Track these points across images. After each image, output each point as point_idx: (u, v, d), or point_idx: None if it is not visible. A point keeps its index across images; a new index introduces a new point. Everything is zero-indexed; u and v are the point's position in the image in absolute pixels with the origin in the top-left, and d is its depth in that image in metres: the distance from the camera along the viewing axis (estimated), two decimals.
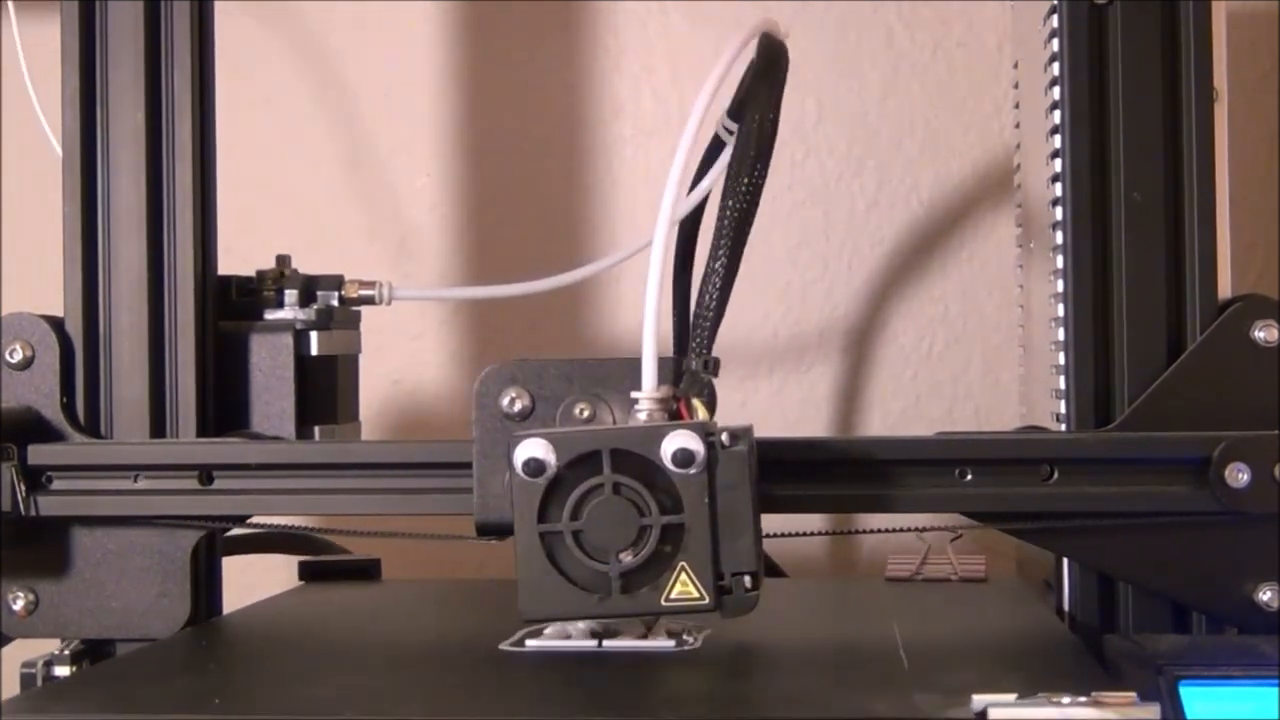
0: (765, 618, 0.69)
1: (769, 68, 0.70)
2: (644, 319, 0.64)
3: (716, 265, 0.67)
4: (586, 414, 0.68)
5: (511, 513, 0.63)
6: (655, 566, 0.62)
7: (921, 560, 0.88)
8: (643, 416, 0.64)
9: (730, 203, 0.67)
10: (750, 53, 0.71)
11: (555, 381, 0.69)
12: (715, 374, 0.66)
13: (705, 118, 0.67)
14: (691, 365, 0.66)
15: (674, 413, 0.65)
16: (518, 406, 0.69)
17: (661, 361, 0.65)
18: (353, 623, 0.80)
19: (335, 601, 0.84)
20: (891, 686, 0.60)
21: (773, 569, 0.95)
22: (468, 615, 0.83)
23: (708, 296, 0.66)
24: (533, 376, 0.69)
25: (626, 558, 0.62)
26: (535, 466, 0.62)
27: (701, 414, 0.65)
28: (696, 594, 0.62)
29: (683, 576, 0.62)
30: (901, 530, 0.74)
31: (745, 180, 0.67)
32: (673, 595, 0.62)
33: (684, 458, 0.62)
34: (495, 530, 0.68)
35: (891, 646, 0.67)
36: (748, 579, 0.62)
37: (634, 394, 0.65)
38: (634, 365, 0.65)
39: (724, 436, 0.62)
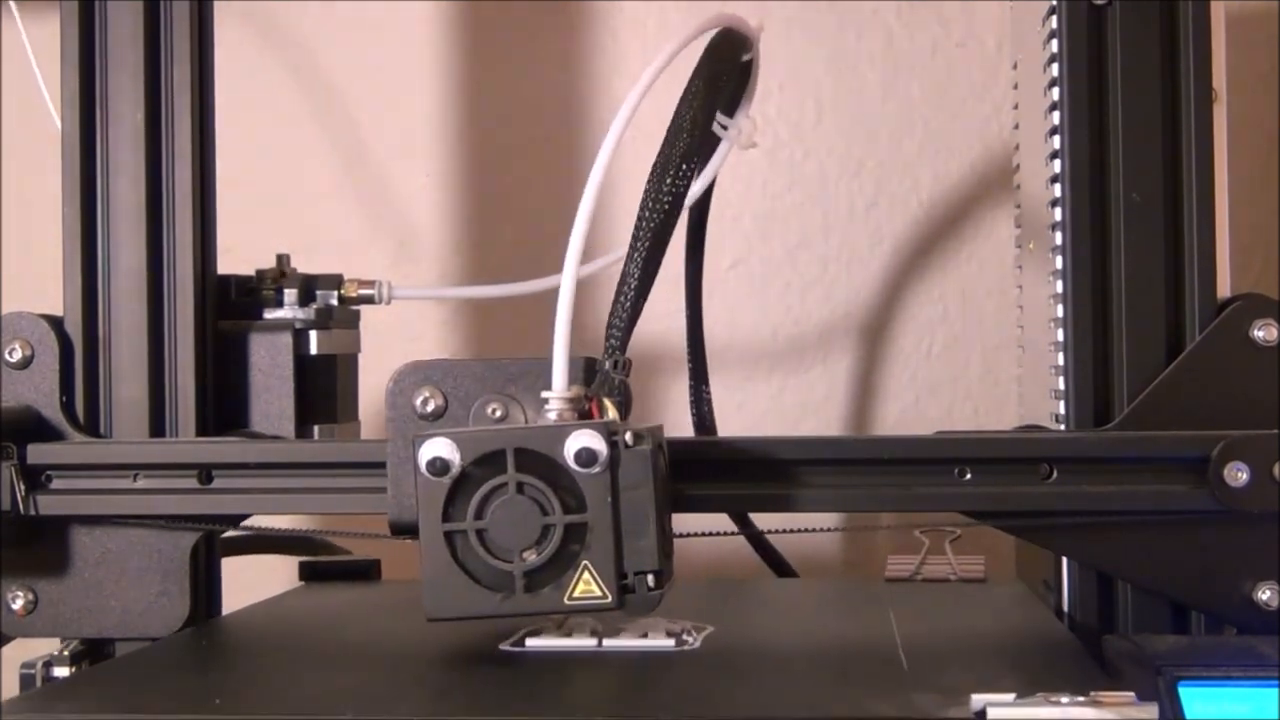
0: (766, 617, 0.69)
1: (713, 66, 0.69)
2: (557, 318, 0.64)
3: (631, 268, 0.66)
4: (499, 414, 0.68)
5: None
6: (559, 565, 0.63)
7: (920, 560, 0.88)
8: (553, 416, 0.64)
9: (650, 204, 0.66)
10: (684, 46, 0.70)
11: (468, 381, 0.69)
12: (627, 374, 0.65)
13: (634, 115, 0.66)
14: (604, 365, 0.65)
15: (585, 413, 0.64)
16: (430, 406, 0.69)
17: (574, 362, 0.65)
18: (353, 623, 0.80)
19: (335, 602, 0.84)
20: (891, 686, 0.61)
21: (784, 568, 0.95)
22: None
23: (623, 298, 0.66)
24: (445, 376, 0.69)
25: (530, 556, 0.63)
26: (440, 466, 0.63)
27: (611, 413, 0.64)
28: (599, 593, 0.62)
29: (585, 575, 0.62)
30: (902, 527, 0.74)
31: (668, 181, 0.66)
32: (576, 594, 0.63)
33: (587, 457, 0.62)
34: (408, 530, 0.68)
35: (891, 647, 0.68)
36: (650, 578, 0.62)
37: (544, 394, 0.65)
38: (546, 365, 0.65)
39: (628, 436, 0.62)
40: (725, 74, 0.70)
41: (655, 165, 0.66)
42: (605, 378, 0.65)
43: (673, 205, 0.66)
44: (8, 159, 1.11)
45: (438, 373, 0.69)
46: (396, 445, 0.69)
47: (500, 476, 0.63)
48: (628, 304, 0.66)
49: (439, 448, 0.63)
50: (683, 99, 0.68)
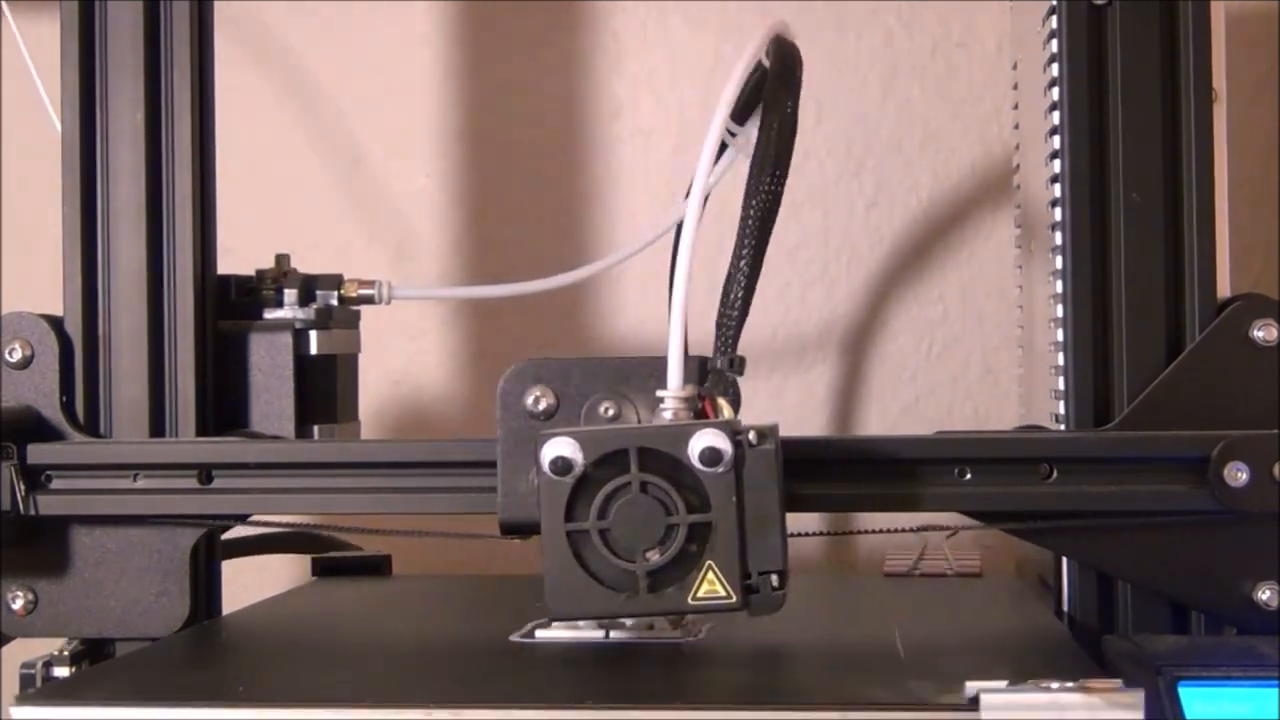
0: None
1: (785, 70, 0.70)
2: (671, 316, 0.65)
3: (741, 265, 0.67)
4: (611, 413, 0.68)
5: (536, 512, 0.63)
6: (682, 565, 0.63)
7: (918, 555, 0.89)
8: (668, 415, 0.65)
9: (753, 203, 0.67)
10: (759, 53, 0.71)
11: (580, 380, 0.68)
12: (740, 373, 0.66)
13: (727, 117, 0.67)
14: (716, 364, 0.66)
15: (699, 411, 0.65)
16: (542, 405, 0.68)
17: (686, 360, 0.65)
18: (364, 617, 0.80)
19: (347, 597, 0.85)
20: (889, 675, 0.61)
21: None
22: (477, 609, 0.84)
23: (733, 296, 0.67)
24: (557, 375, 0.68)
25: (653, 556, 0.62)
26: (562, 465, 0.62)
27: (727, 413, 0.65)
28: (724, 593, 0.62)
29: (710, 575, 0.62)
30: (900, 530, 0.74)
31: (767, 181, 0.67)
32: (700, 594, 0.63)
33: (711, 456, 0.62)
34: (520, 529, 0.68)
35: (889, 639, 0.68)
36: (774, 578, 0.63)
37: (659, 393, 0.65)
38: (659, 364, 0.65)
39: (751, 435, 0.62)
40: (795, 78, 0.71)
41: (752, 167, 0.68)
42: (719, 376, 0.66)
43: (772, 204, 0.68)
44: (8, 159, 1.11)
45: (548, 371, 0.69)
46: (507, 444, 0.68)
47: (624, 476, 0.62)
48: (738, 301, 0.67)
49: (562, 447, 0.62)
50: (767, 103, 0.69)
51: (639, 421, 0.67)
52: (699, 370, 0.66)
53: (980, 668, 0.60)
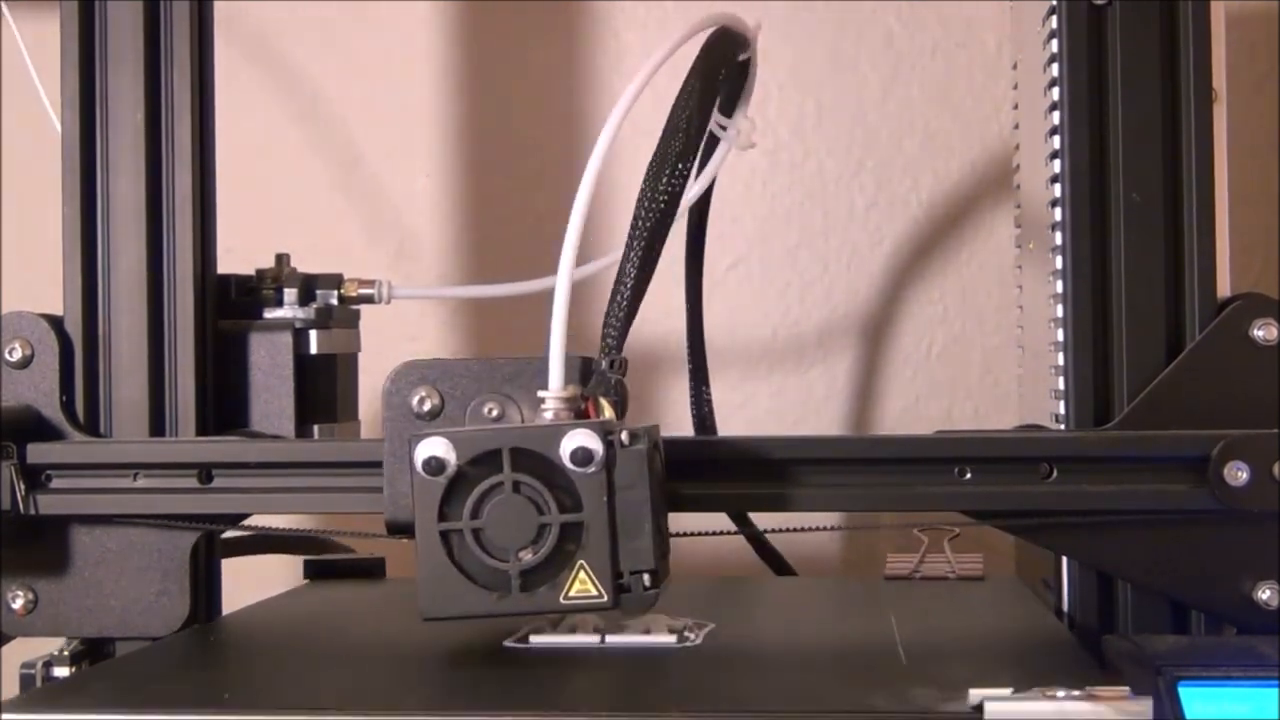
0: (766, 615, 0.69)
1: (710, 65, 0.69)
2: (553, 317, 0.64)
3: (628, 267, 0.66)
4: (495, 413, 0.68)
5: None
6: (555, 565, 0.63)
7: (919, 558, 0.88)
8: (549, 416, 0.64)
9: (646, 204, 0.66)
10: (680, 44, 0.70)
11: (464, 381, 0.69)
12: (623, 373, 0.66)
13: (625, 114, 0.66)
14: (600, 365, 0.65)
15: (581, 412, 0.64)
16: (427, 406, 0.69)
17: (571, 361, 0.65)
18: (357, 621, 0.80)
19: (340, 600, 0.85)
20: (890, 682, 0.61)
21: (783, 567, 0.95)
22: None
23: (620, 298, 0.66)
24: (442, 375, 0.69)
25: (526, 556, 0.63)
26: (435, 465, 0.63)
27: (608, 413, 0.64)
28: (595, 592, 0.62)
29: (581, 574, 0.62)
30: (901, 527, 0.74)
31: (665, 180, 0.66)
32: (572, 593, 0.63)
33: (583, 456, 0.62)
34: (404, 529, 0.68)
35: (890, 643, 0.68)
36: (646, 577, 0.62)
37: (540, 393, 0.65)
38: (543, 364, 0.65)
39: (623, 435, 0.62)
40: (721, 73, 0.70)
41: (651, 164, 0.66)
42: (601, 377, 0.65)
43: (669, 205, 0.66)
44: (8, 159, 1.11)
45: (434, 372, 0.69)
46: (393, 444, 0.69)
47: (496, 476, 0.63)
48: (624, 303, 0.66)
49: (435, 447, 0.63)
50: (679, 98, 0.68)
51: (522, 422, 0.68)
52: (582, 371, 0.66)
53: (984, 674, 0.59)
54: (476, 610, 0.64)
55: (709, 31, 0.71)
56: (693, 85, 0.68)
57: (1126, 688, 0.54)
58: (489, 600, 0.63)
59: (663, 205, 0.66)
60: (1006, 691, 0.55)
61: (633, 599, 0.63)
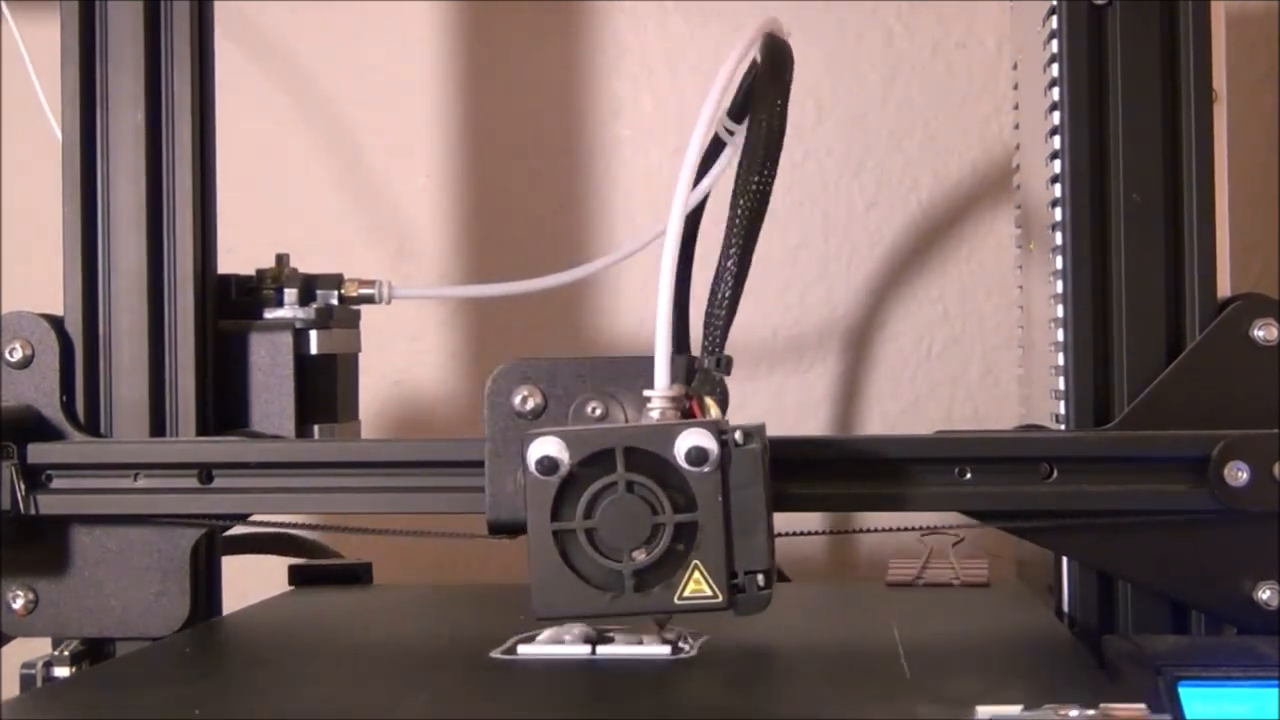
0: (764, 623, 0.68)
1: (775, 68, 0.70)
2: (657, 317, 0.64)
3: (729, 264, 0.67)
4: (599, 412, 0.68)
5: (523, 511, 0.63)
6: (668, 565, 0.62)
7: (923, 565, 0.87)
8: (655, 415, 0.64)
9: (742, 202, 0.67)
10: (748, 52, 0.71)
11: (567, 380, 0.68)
12: (728, 372, 0.66)
13: (714, 117, 0.67)
14: (704, 364, 0.66)
15: (686, 411, 0.65)
16: (530, 405, 0.68)
17: (674, 360, 0.65)
18: (342, 629, 0.79)
19: (326, 606, 0.84)
20: (893, 696, 0.60)
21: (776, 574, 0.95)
22: (459, 621, 0.82)
23: (720, 295, 0.67)
24: (545, 375, 0.68)
25: (639, 556, 0.62)
26: (549, 464, 0.62)
27: (714, 412, 0.65)
28: (710, 592, 0.62)
29: (696, 575, 0.62)
30: (900, 529, 0.74)
31: (755, 179, 0.67)
32: (686, 593, 0.62)
33: (698, 456, 0.62)
34: (507, 529, 0.68)
35: (893, 654, 0.67)
36: (760, 577, 0.62)
37: (646, 392, 0.65)
38: (646, 364, 0.65)
39: (737, 435, 0.62)
40: (785, 76, 0.70)
41: (741, 163, 0.68)
42: (706, 376, 0.65)
43: (760, 200, 0.67)
44: (8, 159, 1.11)
45: (537, 371, 0.69)
46: (495, 444, 0.68)
47: (610, 475, 0.62)
48: (725, 301, 0.67)
49: (548, 446, 0.62)
50: (752, 101, 0.69)
51: (626, 421, 0.67)
52: (686, 370, 0.66)
53: (991, 688, 0.59)
54: (590, 610, 0.63)
55: (761, 34, 0.71)
56: (765, 88, 0.69)
57: (1143, 705, 0.53)
58: (603, 600, 0.63)
59: (755, 203, 0.67)
60: (1016, 709, 0.53)
61: (748, 599, 0.62)
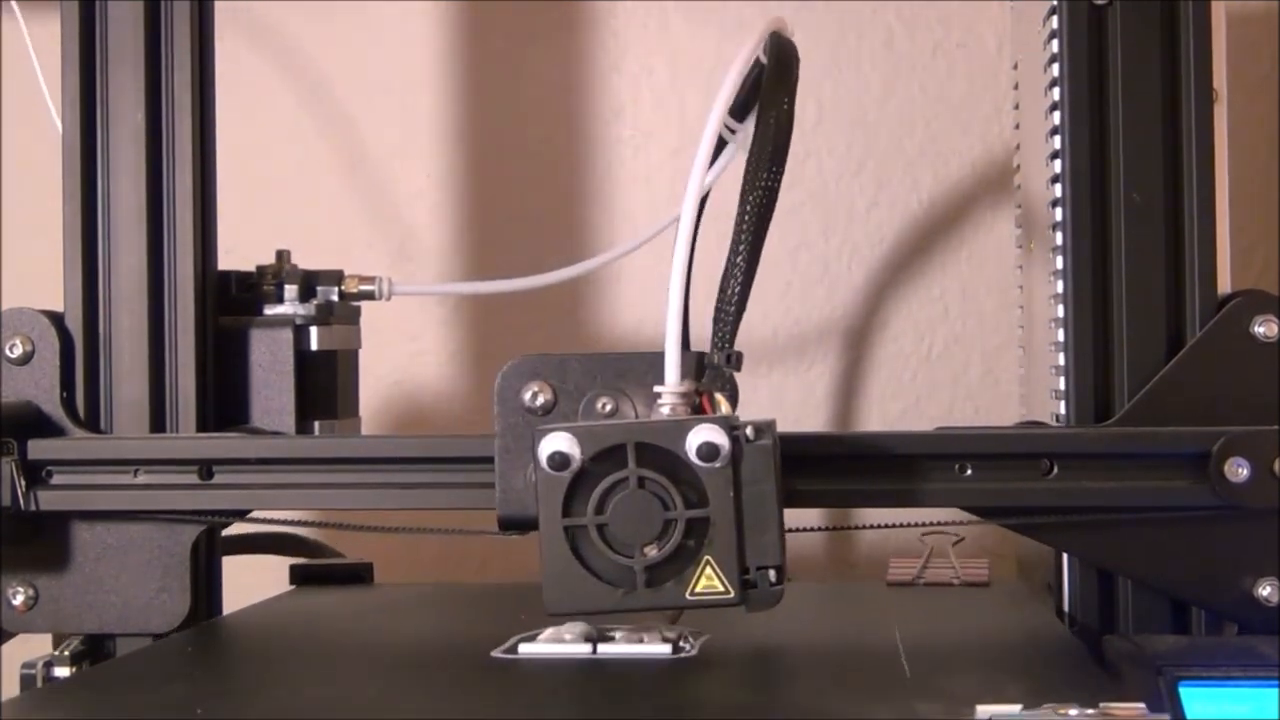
0: (764, 623, 0.68)
1: (781, 67, 0.70)
2: (668, 313, 0.64)
3: (738, 260, 0.67)
4: (609, 408, 0.68)
5: (534, 507, 0.63)
6: (680, 560, 0.62)
7: (923, 564, 0.87)
8: (665, 411, 0.64)
9: (751, 198, 0.67)
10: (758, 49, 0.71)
11: (577, 376, 0.68)
12: (738, 368, 0.66)
13: (723, 114, 0.67)
14: (714, 360, 0.66)
15: (696, 407, 0.65)
16: (540, 401, 0.68)
17: (684, 356, 0.65)
18: (343, 629, 0.79)
19: (327, 606, 0.84)
20: (893, 695, 0.60)
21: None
22: (460, 621, 0.82)
23: (729, 291, 0.66)
24: (555, 371, 0.68)
25: (651, 551, 0.62)
26: (560, 460, 0.62)
27: (724, 408, 0.64)
28: (721, 588, 0.62)
29: (707, 570, 0.62)
30: (900, 525, 0.74)
31: (764, 177, 0.67)
32: (698, 589, 0.62)
33: (709, 452, 0.62)
34: (517, 525, 0.68)
35: (893, 653, 0.67)
36: (773, 573, 0.62)
37: (657, 388, 0.65)
38: (656, 360, 0.65)
39: (749, 430, 0.62)
40: (791, 74, 0.70)
41: (749, 161, 0.68)
42: (716, 372, 0.65)
43: (769, 198, 0.67)
44: (8, 157, 1.11)
45: (546, 367, 0.68)
46: (505, 439, 0.68)
47: (621, 471, 0.62)
48: (734, 298, 0.66)
49: (559, 442, 0.62)
50: (763, 99, 0.69)
51: (636, 417, 0.67)
52: (696, 366, 0.66)
53: (991, 687, 0.58)
54: (602, 606, 0.63)
55: (768, 35, 0.71)
56: (773, 87, 0.69)
57: (1143, 705, 0.53)
58: (614, 596, 0.63)
59: (764, 200, 0.67)
60: (1016, 708, 0.53)
61: (759, 595, 0.62)
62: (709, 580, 0.62)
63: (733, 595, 0.62)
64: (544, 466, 0.62)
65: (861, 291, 1.08)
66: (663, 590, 0.62)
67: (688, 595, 0.62)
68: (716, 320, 0.67)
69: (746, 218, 0.67)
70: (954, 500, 0.70)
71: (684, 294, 0.65)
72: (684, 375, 0.65)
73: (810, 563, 1.06)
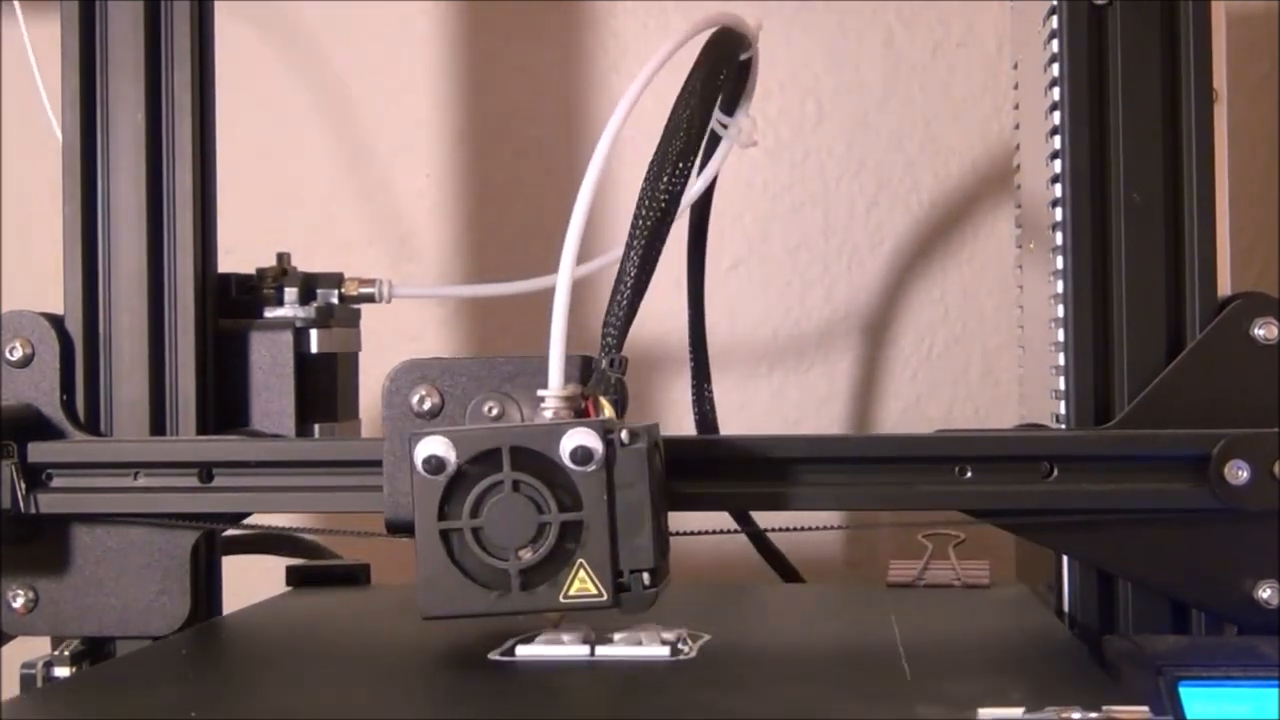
0: (764, 625, 0.68)
1: (711, 64, 0.69)
2: (554, 314, 0.64)
3: (628, 266, 0.66)
4: (495, 412, 0.68)
5: None
6: (554, 564, 0.63)
7: (923, 566, 0.87)
8: (549, 415, 0.64)
9: (647, 203, 0.66)
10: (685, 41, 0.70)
11: (464, 380, 0.69)
12: (623, 372, 0.66)
13: (630, 113, 0.66)
14: (600, 364, 0.65)
15: (581, 411, 0.64)
16: (427, 404, 0.69)
17: (570, 360, 0.65)
18: (341, 629, 0.79)
19: (325, 607, 0.83)
20: (894, 697, 0.60)
21: (789, 573, 0.94)
22: (457, 622, 0.81)
23: (619, 296, 0.66)
24: (442, 374, 0.69)
25: (526, 555, 0.63)
26: (435, 464, 0.62)
27: (608, 412, 0.64)
28: (595, 591, 0.62)
29: (581, 574, 0.62)
30: (900, 526, 0.74)
31: (665, 180, 0.66)
32: (571, 592, 0.62)
33: (582, 455, 0.62)
34: (404, 528, 0.67)
35: (894, 655, 0.67)
36: (646, 576, 0.62)
37: (540, 392, 0.65)
38: (543, 364, 0.65)
39: (623, 434, 0.62)
40: (722, 72, 0.70)
41: (652, 164, 0.67)
42: (601, 376, 0.65)
43: (669, 204, 0.66)
44: (8, 158, 1.11)
45: (434, 371, 0.69)
46: (393, 443, 0.69)
47: (496, 475, 0.63)
48: (624, 302, 0.66)
49: (435, 446, 0.63)
50: (680, 97, 0.68)
51: (522, 421, 0.67)
52: (582, 370, 0.66)
53: (992, 690, 0.58)
54: (476, 609, 0.63)
55: (710, 31, 0.71)
56: (694, 85, 0.68)
57: (1146, 708, 0.53)
58: (489, 599, 0.63)
59: (663, 204, 0.66)
60: (1018, 712, 0.53)
61: (632, 598, 0.62)
62: (582, 583, 0.62)
63: (605, 598, 0.62)
64: (419, 470, 0.63)
65: (861, 292, 1.08)
66: (537, 593, 0.63)
67: (561, 598, 0.63)
68: (605, 325, 0.66)
69: (641, 223, 0.66)
70: (954, 503, 0.70)
71: (568, 295, 0.64)
72: (567, 379, 0.65)
73: (811, 561, 1.06)
